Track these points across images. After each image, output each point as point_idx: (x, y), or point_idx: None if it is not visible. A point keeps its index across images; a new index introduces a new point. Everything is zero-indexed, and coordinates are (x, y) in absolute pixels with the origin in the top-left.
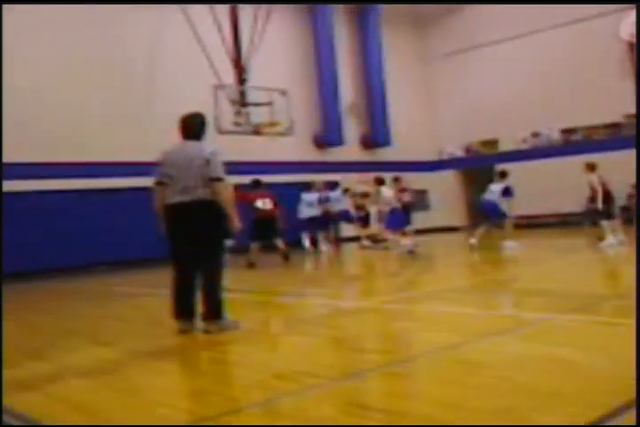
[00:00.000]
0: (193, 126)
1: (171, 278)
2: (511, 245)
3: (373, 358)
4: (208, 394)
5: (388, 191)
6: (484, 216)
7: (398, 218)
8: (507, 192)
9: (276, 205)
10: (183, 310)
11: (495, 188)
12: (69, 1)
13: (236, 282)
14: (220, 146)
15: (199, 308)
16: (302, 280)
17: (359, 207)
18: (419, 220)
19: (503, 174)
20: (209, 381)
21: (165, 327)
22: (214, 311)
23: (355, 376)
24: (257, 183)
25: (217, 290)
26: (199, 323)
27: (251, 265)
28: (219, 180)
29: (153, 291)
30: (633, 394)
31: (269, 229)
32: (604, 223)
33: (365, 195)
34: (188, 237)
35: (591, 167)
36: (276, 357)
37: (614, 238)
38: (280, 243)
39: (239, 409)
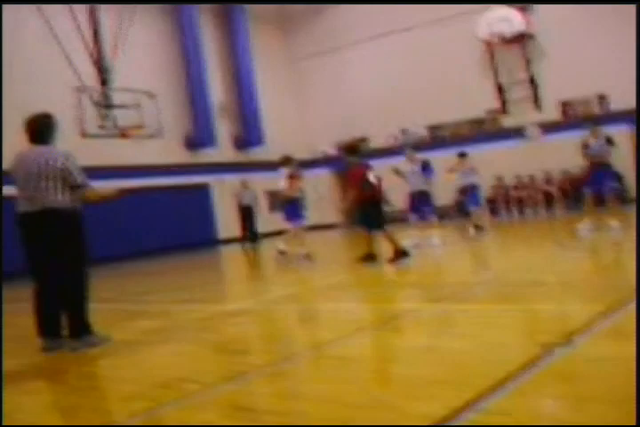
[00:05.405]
0: (40, 129)
1: (31, 294)
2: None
3: (253, 359)
4: (83, 410)
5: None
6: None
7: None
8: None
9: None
10: (46, 327)
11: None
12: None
13: (107, 291)
14: (86, 150)
15: (65, 324)
16: (183, 285)
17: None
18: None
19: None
20: (82, 397)
21: (33, 345)
22: (79, 328)
23: (237, 379)
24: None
25: (80, 306)
26: (66, 340)
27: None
28: (84, 186)
29: (20, 305)
30: (500, 375)
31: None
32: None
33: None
34: (41, 250)
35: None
36: (154, 366)
37: None
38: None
39: (118, 422)
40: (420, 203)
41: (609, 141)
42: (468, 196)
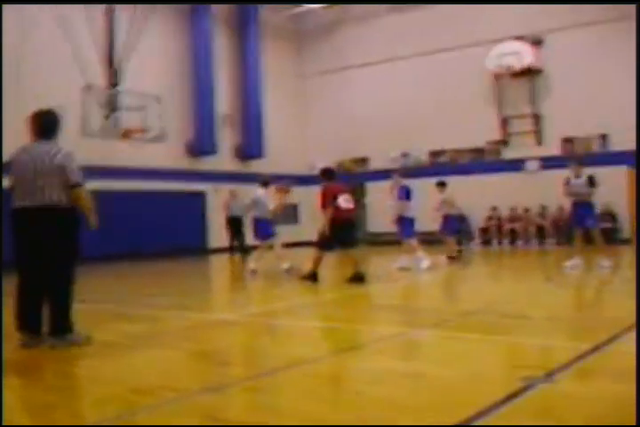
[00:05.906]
0: (43, 125)
1: (16, 288)
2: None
3: (233, 371)
4: (56, 409)
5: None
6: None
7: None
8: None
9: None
10: (27, 322)
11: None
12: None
13: (95, 292)
14: (86, 149)
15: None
16: (170, 291)
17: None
18: (288, 233)
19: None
20: (56, 396)
21: (12, 340)
22: (61, 326)
23: (214, 390)
24: (332, 173)
25: (64, 303)
26: (46, 337)
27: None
28: (79, 186)
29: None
30: (483, 404)
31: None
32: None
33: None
34: (31, 245)
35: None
36: (133, 370)
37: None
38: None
39: (88, 425)
40: (403, 227)
41: (590, 181)
42: (444, 224)
